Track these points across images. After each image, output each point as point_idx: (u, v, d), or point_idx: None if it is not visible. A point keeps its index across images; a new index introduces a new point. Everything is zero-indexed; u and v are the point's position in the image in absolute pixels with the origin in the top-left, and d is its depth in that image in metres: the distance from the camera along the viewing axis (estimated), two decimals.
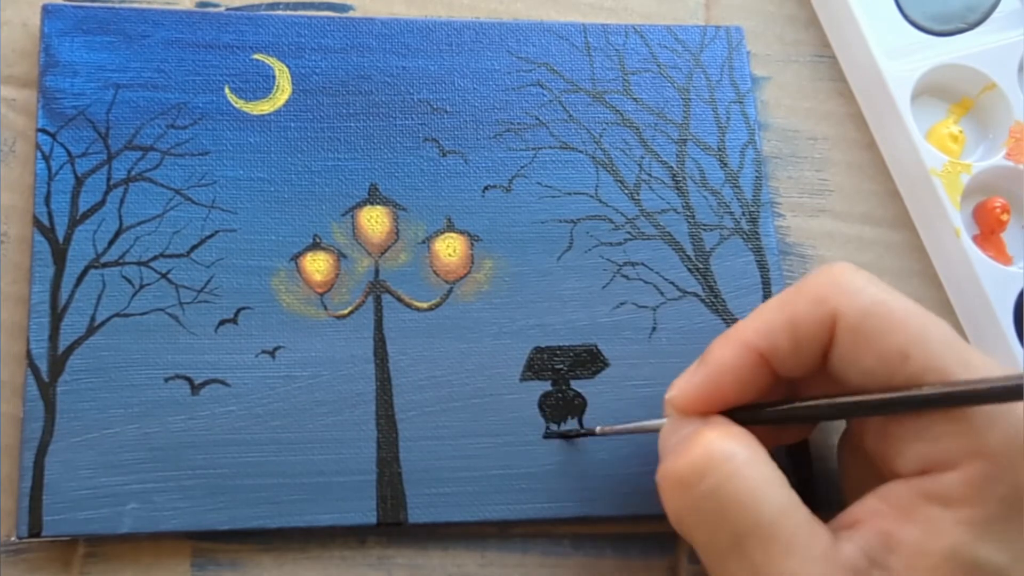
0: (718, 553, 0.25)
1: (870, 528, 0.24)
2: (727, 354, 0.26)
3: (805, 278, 0.27)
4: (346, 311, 0.33)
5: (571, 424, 0.32)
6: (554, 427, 0.32)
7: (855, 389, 0.26)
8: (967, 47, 0.39)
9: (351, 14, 0.37)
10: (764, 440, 0.26)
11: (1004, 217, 0.37)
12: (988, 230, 0.37)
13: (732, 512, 0.24)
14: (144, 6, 0.35)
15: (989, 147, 0.39)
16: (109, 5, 0.35)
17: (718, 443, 0.25)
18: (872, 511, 0.25)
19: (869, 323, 0.25)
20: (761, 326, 0.26)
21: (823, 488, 0.33)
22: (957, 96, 0.39)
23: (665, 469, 0.26)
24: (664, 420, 0.28)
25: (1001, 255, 0.37)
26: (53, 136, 0.32)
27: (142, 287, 0.32)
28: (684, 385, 0.27)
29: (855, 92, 0.39)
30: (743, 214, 0.36)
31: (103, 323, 0.31)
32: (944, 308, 0.37)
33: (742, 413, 0.27)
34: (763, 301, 0.35)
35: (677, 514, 0.26)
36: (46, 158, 0.32)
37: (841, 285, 0.26)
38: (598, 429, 0.31)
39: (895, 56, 0.38)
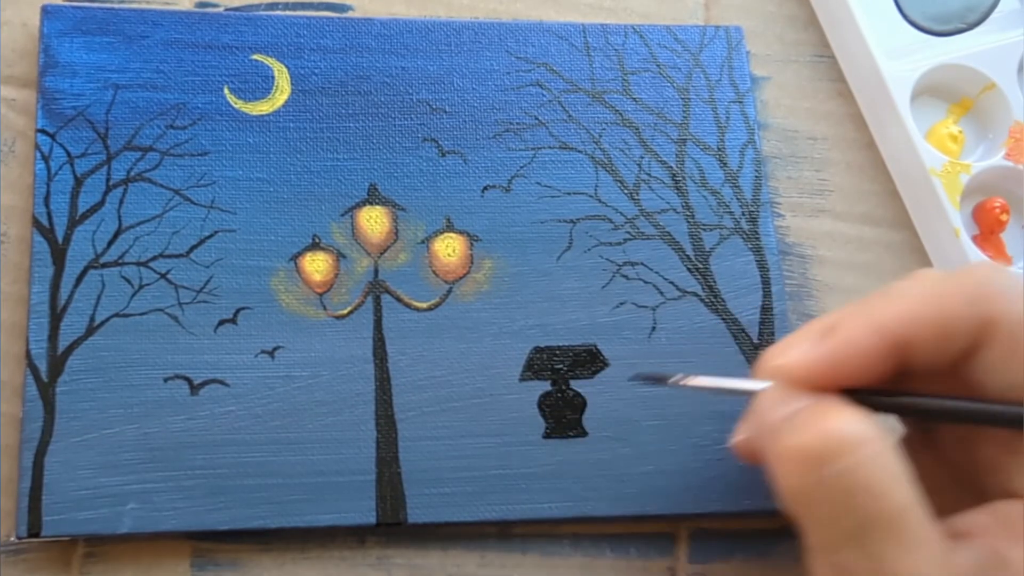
0: (834, 538, 0.24)
1: (982, 543, 0.24)
2: (860, 334, 0.25)
3: (955, 273, 0.25)
4: (345, 311, 0.33)
5: (571, 419, 0.32)
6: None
7: (990, 396, 0.25)
8: (967, 47, 0.39)
9: (350, 14, 0.37)
10: None
11: (1003, 217, 0.37)
12: (987, 230, 0.37)
13: (860, 498, 0.23)
14: (143, 6, 0.35)
15: (989, 147, 0.39)
16: (108, 5, 0.35)
17: (853, 425, 0.23)
18: (982, 526, 0.24)
19: None
20: (905, 314, 0.25)
21: None
22: (957, 96, 0.39)
23: (789, 442, 0.24)
24: (760, 384, 0.26)
25: (1000, 255, 0.37)
26: (52, 136, 0.32)
27: (141, 287, 0.32)
28: (802, 356, 0.25)
29: (855, 92, 0.39)
30: (743, 214, 0.36)
31: (102, 323, 0.31)
32: None
33: (858, 395, 0.25)
34: (763, 301, 0.35)
35: (795, 491, 0.24)
36: (45, 158, 0.32)
37: (999, 288, 0.25)
38: (680, 378, 0.29)
39: (895, 56, 0.38)
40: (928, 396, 0.25)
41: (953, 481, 0.26)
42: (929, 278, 0.26)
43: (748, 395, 0.27)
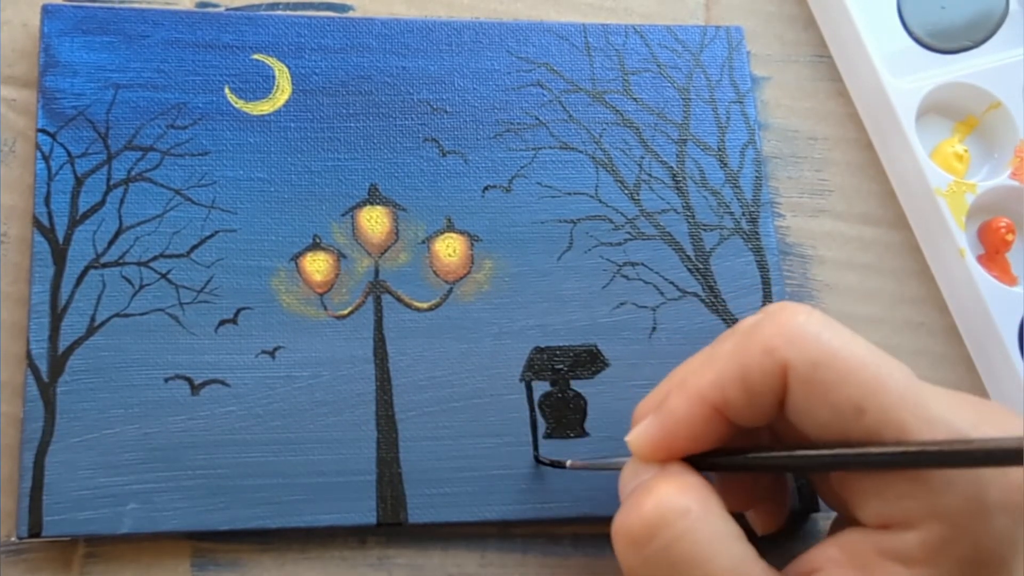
0: None
1: None
2: (680, 406, 0.26)
3: (758, 322, 0.26)
4: (346, 311, 0.33)
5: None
6: (540, 455, 0.32)
7: (812, 441, 0.25)
8: (972, 65, 0.38)
9: (351, 14, 0.37)
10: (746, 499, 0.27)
11: (1009, 237, 0.37)
12: (993, 250, 0.37)
13: (683, 571, 0.24)
14: (144, 6, 0.35)
15: (994, 166, 0.38)
16: (109, 5, 0.35)
17: (670, 499, 0.24)
18: (830, 559, 0.24)
19: (820, 375, 0.24)
20: (715, 378, 0.25)
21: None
22: (962, 114, 0.39)
23: (618, 524, 0.25)
24: (624, 460, 0.27)
25: (1006, 275, 0.37)
26: (53, 136, 0.32)
27: (142, 287, 0.32)
28: (642, 431, 0.26)
29: (860, 110, 0.39)
30: (743, 214, 0.36)
31: (103, 323, 0.31)
32: (948, 328, 0.37)
33: (701, 459, 0.26)
34: (763, 302, 0.35)
35: (630, 570, 0.25)
36: (46, 158, 0.32)
37: (791, 333, 0.25)
38: (568, 463, 0.31)
39: (900, 74, 0.38)
40: (746, 453, 0.26)
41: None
42: (739, 332, 0.26)
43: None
